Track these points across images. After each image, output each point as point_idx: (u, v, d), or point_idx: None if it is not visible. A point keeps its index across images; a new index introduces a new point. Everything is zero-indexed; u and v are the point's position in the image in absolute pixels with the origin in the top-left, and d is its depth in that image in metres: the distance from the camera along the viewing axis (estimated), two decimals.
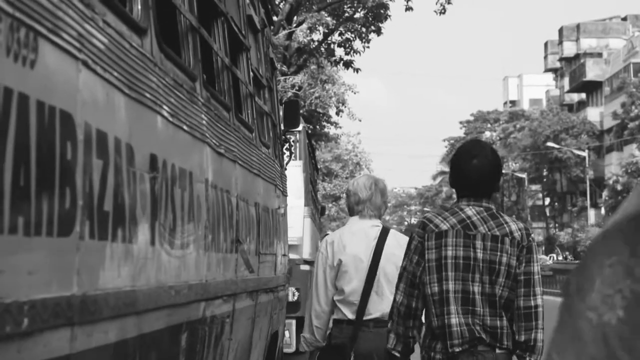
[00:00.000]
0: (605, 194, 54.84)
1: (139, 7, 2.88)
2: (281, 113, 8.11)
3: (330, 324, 5.37)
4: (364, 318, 5.18)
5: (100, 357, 2.39)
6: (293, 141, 12.16)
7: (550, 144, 59.58)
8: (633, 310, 0.78)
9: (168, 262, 3.06)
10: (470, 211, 4.01)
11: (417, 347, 4.17)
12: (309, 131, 19.02)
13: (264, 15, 6.62)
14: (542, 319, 3.98)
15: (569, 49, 71.84)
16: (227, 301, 4.23)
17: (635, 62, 58.69)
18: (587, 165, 58.85)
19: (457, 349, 3.89)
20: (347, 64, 24.03)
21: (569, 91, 71.32)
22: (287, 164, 8.23)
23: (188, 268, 3.36)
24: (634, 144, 52.33)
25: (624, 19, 71.43)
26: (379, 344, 5.07)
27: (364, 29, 23.83)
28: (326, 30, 23.53)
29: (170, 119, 3.10)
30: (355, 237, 5.27)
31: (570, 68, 71.16)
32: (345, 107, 27.32)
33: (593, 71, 65.53)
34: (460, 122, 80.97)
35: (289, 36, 22.22)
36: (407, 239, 5.17)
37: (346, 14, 23.84)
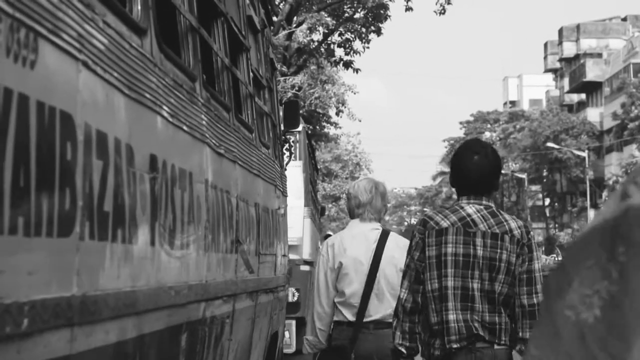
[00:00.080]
0: (605, 194, 54.88)
1: (139, 7, 2.88)
2: (281, 113, 8.11)
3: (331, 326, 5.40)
4: (364, 320, 5.22)
5: (100, 358, 2.39)
6: (293, 141, 12.16)
7: (550, 144, 59.59)
8: (609, 310, 0.81)
9: (168, 262, 3.06)
10: (470, 209, 4.07)
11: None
12: (309, 131, 19.02)
13: (263, 16, 6.62)
14: None
15: (569, 50, 71.83)
16: (227, 302, 4.23)
17: (635, 63, 58.69)
18: (587, 166, 58.84)
19: (454, 345, 3.93)
20: (347, 65, 24.02)
21: (569, 91, 71.32)
22: (287, 164, 8.23)
23: (188, 268, 3.36)
24: (633, 145, 52.34)
25: (624, 19, 71.43)
26: (379, 346, 5.12)
27: (363, 29, 23.82)
28: (326, 31, 23.52)
29: (170, 119, 3.10)
30: (355, 240, 5.32)
31: (570, 68, 71.16)
32: (345, 107, 27.31)
33: (593, 71, 65.53)
34: (460, 123, 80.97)
35: (289, 36, 22.22)
36: (406, 241, 5.25)
37: (346, 14, 23.83)
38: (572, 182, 61.99)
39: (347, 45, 24.10)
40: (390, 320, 4.98)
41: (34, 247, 1.92)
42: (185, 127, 3.32)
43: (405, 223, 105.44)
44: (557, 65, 75.86)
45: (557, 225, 66.89)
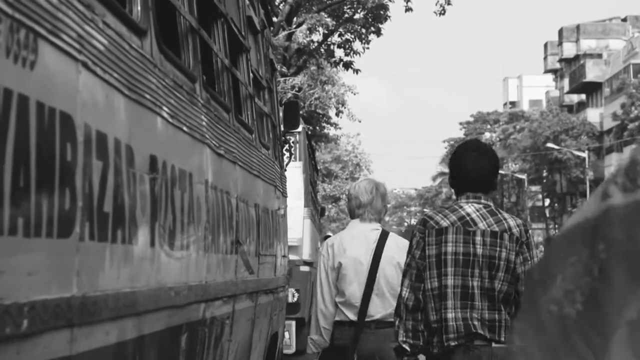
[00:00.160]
0: None
1: (139, 8, 2.88)
2: (281, 114, 8.11)
3: None
4: (365, 320, 5.24)
5: (100, 359, 2.39)
6: (293, 142, 12.16)
7: (550, 145, 59.57)
8: (590, 305, 0.84)
9: (168, 263, 3.06)
10: (469, 208, 4.11)
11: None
12: (309, 132, 19.01)
13: (263, 17, 6.62)
14: None
15: (569, 50, 71.83)
16: (227, 302, 4.23)
17: (635, 63, 58.69)
18: (587, 166, 58.82)
19: (452, 343, 3.97)
20: (347, 65, 24.01)
21: (569, 92, 71.32)
22: (287, 165, 8.23)
23: (188, 269, 3.36)
24: (633, 145, 52.32)
25: (624, 19, 71.43)
26: (380, 345, 5.16)
27: (363, 30, 23.82)
28: (326, 31, 23.52)
29: (170, 120, 3.10)
30: (355, 241, 5.37)
31: (570, 69, 71.16)
32: (345, 108, 27.30)
33: (593, 72, 65.53)
34: (460, 123, 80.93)
35: (289, 37, 22.22)
36: (406, 242, 5.31)
37: (346, 15, 23.83)
38: (572, 182, 61.96)
39: (347, 46, 24.10)
40: (391, 320, 5.02)
41: (34, 247, 1.92)
42: (185, 128, 3.32)
43: (405, 224, 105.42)
44: (557, 65, 75.86)
45: (557, 226, 66.86)
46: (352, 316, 5.27)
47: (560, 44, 73.56)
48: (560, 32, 73.01)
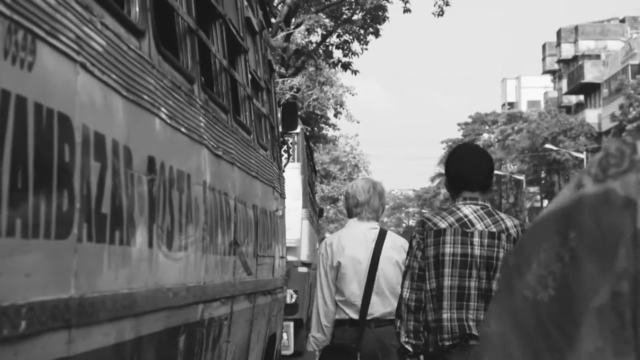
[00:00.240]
0: None
1: (137, 9, 2.88)
2: (279, 115, 8.11)
3: None
4: (366, 318, 5.29)
5: None
6: (291, 143, 12.16)
7: (548, 145, 59.58)
8: (562, 290, 0.88)
9: (166, 264, 3.06)
10: (467, 210, 4.16)
11: None
12: (307, 133, 19.02)
13: (262, 17, 6.62)
14: None
15: (567, 51, 71.85)
16: (225, 303, 4.23)
17: (633, 64, 58.71)
18: (585, 167, 58.81)
19: (446, 343, 4.03)
20: (345, 66, 24.01)
21: (567, 93, 71.34)
22: (285, 166, 8.23)
23: (186, 270, 3.36)
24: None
25: (622, 20, 71.47)
26: (382, 343, 5.22)
27: (362, 31, 23.82)
28: (324, 32, 23.52)
29: (168, 121, 3.10)
30: (353, 240, 5.41)
31: (568, 70, 71.18)
32: (343, 109, 27.32)
33: (591, 73, 65.55)
34: (458, 124, 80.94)
35: (287, 38, 22.22)
36: (403, 240, 5.38)
37: (344, 16, 23.83)
38: None
39: (345, 47, 24.11)
40: (390, 318, 5.08)
41: (32, 248, 1.92)
42: (183, 129, 3.32)
43: (404, 224, 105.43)
44: (556, 66, 75.88)
45: None
46: (352, 314, 5.32)
47: (558, 44, 73.58)
48: (559, 33, 73.03)
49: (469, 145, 4.51)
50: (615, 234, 0.86)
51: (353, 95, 28.10)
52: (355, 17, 23.81)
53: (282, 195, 6.90)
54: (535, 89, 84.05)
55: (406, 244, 5.38)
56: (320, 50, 24.00)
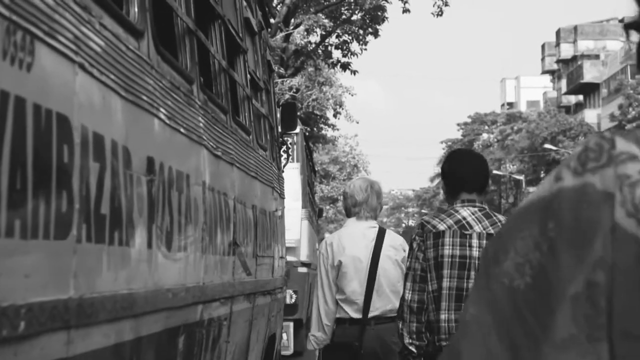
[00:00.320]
0: None
1: (136, 9, 2.88)
2: (278, 115, 8.12)
3: None
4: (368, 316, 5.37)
5: None
6: (290, 143, 12.18)
7: (547, 145, 59.59)
8: (538, 278, 0.90)
9: (165, 264, 3.06)
10: (465, 212, 4.23)
11: None
12: (307, 133, 19.02)
13: (261, 18, 6.62)
14: None
15: (567, 51, 71.88)
16: (224, 304, 4.23)
17: (632, 64, 58.70)
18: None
19: (443, 343, 4.11)
20: (345, 66, 24.02)
21: (566, 93, 71.36)
22: (284, 166, 8.24)
23: (185, 271, 3.36)
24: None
25: (621, 20, 71.45)
26: (382, 340, 5.30)
27: (361, 31, 23.83)
28: (323, 33, 23.51)
29: (168, 121, 3.10)
30: (353, 239, 5.48)
31: (567, 70, 71.20)
32: (342, 109, 27.33)
33: (590, 73, 65.58)
34: (458, 124, 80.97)
35: (286, 38, 22.22)
36: (402, 239, 5.49)
37: (343, 16, 23.83)
38: None
39: (345, 47, 24.12)
40: (390, 316, 5.14)
41: (31, 249, 1.92)
42: (182, 130, 3.32)
43: (403, 224, 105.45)
44: (555, 66, 75.91)
45: None
46: (352, 313, 5.38)
47: (557, 45, 73.60)
48: (558, 33, 73.06)
49: (464, 149, 4.73)
50: (594, 227, 0.88)
51: (352, 95, 28.12)
52: (354, 18, 23.82)
53: (282, 196, 6.90)
54: (534, 89, 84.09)
55: (405, 243, 5.44)
56: (320, 51, 24.01)
